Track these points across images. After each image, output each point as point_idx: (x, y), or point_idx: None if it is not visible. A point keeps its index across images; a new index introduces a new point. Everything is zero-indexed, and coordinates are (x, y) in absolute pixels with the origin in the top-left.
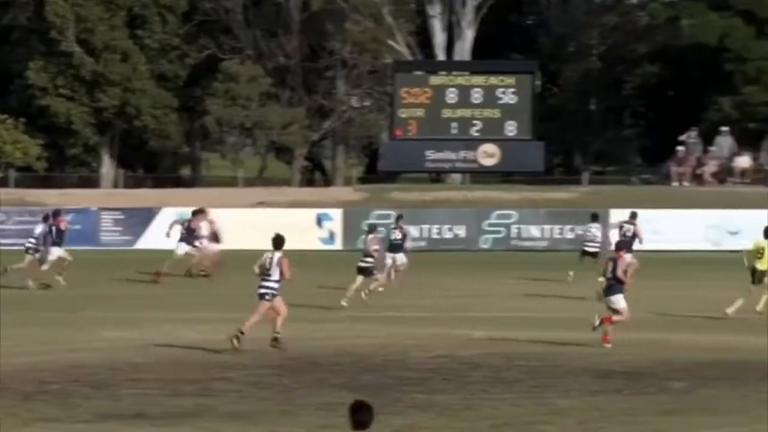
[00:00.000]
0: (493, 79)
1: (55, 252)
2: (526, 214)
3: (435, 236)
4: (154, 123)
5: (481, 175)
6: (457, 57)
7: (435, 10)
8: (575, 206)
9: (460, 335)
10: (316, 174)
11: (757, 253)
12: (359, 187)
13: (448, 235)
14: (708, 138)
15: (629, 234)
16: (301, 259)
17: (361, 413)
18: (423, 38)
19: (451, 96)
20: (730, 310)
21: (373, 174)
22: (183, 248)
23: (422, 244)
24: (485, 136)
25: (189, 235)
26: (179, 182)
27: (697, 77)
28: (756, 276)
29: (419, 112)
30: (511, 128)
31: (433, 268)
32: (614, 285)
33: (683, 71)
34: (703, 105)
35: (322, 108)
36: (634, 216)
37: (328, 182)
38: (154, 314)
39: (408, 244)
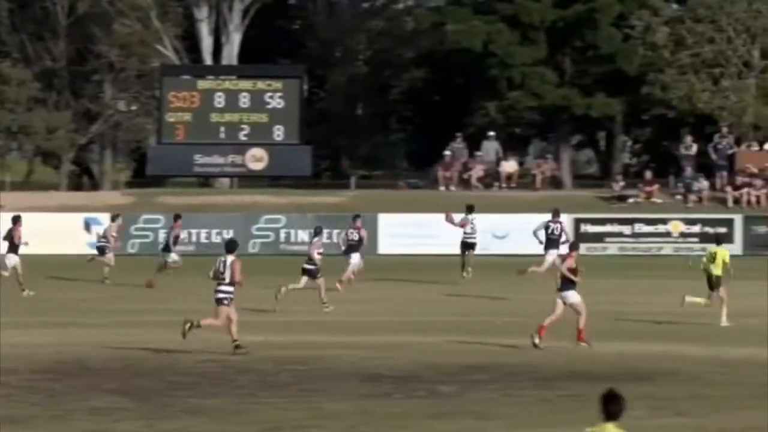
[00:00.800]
0: (260, 84)
1: None
2: (294, 218)
3: (204, 240)
4: None
5: (249, 180)
6: (224, 61)
7: (202, 14)
8: (343, 210)
9: (230, 340)
10: (83, 178)
11: (712, 259)
12: (127, 191)
13: (217, 240)
14: (474, 143)
15: (557, 232)
16: (69, 263)
17: (613, 404)
18: (191, 42)
19: (219, 100)
20: (723, 322)
21: (141, 178)
22: (173, 257)
23: (191, 248)
24: (253, 140)
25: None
26: None
27: (463, 82)
28: (713, 281)
29: (187, 117)
30: (278, 133)
31: (202, 273)
32: (567, 281)
33: (449, 76)
34: (470, 110)
35: (89, 112)
36: (557, 213)
37: (95, 186)
38: None
39: (364, 244)
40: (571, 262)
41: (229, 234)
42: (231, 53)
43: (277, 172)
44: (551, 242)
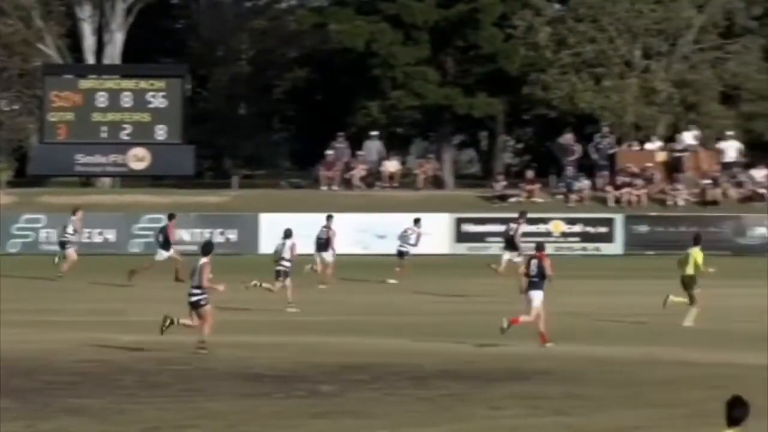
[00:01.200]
0: (143, 83)
1: None
2: (176, 218)
3: (85, 240)
4: None
5: (131, 179)
6: (107, 61)
7: (85, 13)
8: (226, 210)
9: (110, 339)
10: None
11: (686, 259)
12: (8, 191)
13: (98, 239)
14: (357, 142)
15: (511, 233)
16: None
17: (737, 409)
18: (73, 41)
19: (101, 100)
20: (686, 321)
21: (22, 178)
22: (163, 255)
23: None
24: (135, 139)
25: (165, 240)
26: None
27: (346, 82)
28: (685, 281)
29: (69, 116)
30: (161, 132)
31: (83, 273)
32: (537, 282)
33: (332, 76)
34: (352, 109)
35: None
36: (521, 215)
37: None
38: None
39: (335, 244)
40: (549, 263)
41: (111, 233)
42: (114, 52)
43: (159, 171)
44: (506, 243)
